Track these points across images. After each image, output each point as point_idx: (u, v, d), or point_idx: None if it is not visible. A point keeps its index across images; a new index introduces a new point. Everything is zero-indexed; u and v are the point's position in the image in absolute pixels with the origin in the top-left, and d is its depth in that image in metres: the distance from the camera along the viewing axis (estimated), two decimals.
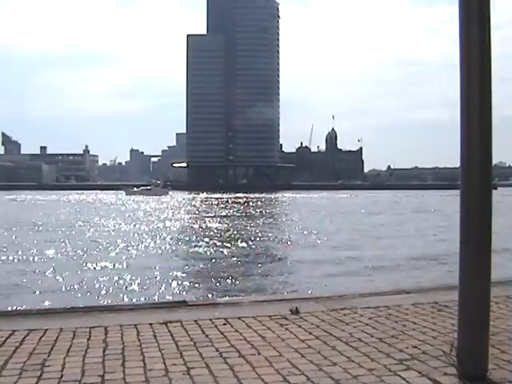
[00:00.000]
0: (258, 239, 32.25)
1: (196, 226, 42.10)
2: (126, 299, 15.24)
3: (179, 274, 20.25)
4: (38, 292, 16.45)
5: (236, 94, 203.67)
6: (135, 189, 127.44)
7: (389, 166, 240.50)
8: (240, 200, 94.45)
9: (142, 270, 20.47)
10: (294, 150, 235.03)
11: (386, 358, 4.56)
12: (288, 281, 18.86)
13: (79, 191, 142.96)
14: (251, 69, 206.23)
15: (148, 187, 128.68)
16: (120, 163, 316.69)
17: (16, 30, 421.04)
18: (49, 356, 4.72)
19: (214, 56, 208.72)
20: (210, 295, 15.63)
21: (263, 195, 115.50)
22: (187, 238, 33.24)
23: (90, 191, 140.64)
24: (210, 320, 5.88)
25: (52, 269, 20.48)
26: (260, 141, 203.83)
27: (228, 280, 18.66)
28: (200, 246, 28.82)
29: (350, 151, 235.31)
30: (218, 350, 4.84)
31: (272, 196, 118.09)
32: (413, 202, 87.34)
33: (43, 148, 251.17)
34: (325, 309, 6.34)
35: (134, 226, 42.36)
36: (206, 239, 32.00)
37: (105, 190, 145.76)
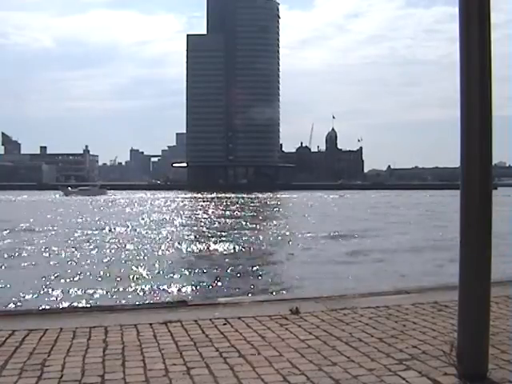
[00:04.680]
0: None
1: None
2: (125, 299, 15.23)
3: (179, 274, 20.24)
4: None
5: (236, 93, 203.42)
6: (70, 188, 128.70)
7: (389, 166, 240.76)
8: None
9: (140, 272, 20.48)
10: (294, 150, 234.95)
11: (386, 358, 4.56)
12: (288, 280, 18.84)
13: None
14: (251, 69, 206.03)
15: (86, 187, 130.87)
16: (120, 163, 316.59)
17: (15, 30, 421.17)
18: (49, 356, 4.72)
19: (214, 56, 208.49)
20: (209, 295, 15.62)
21: (265, 195, 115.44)
22: (185, 238, 33.24)
23: None
24: (210, 320, 5.89)
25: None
26: (260, 141, 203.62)
27: (228, 280, 18.65)
28: (199, 246, 28.83)
29: (350, 151, 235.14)
30: (218, 350, 4.84)
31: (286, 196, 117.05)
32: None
33: (43, 148, 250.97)
34: (325, 309, 6.35)
35: None
36: (205, 239, 32.00)
37: None
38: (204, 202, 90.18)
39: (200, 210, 68.03)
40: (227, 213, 60.05)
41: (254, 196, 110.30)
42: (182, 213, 61.81)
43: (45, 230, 37.47)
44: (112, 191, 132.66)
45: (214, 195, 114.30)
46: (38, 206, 75.49)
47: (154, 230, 38.74)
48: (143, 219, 49.53)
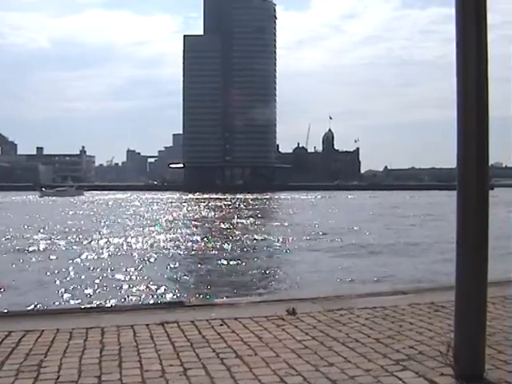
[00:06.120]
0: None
1: None
2: (122, 300, 15.21)
3: (176, 274, 20.22)
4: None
5: (233, 94, 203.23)
6: (44, 189, 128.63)
7: (385, 167, 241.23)
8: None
9: (138, 272, 20.46)
10: (290, 151, 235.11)
11: (383, 359, 4.56)
12: (285, 281, 18.84)
13: None
14: (248, 69, 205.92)
15: (62, 188, 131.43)
16: (117, 164, 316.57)
17: (11, 30, 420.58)
18: (45, 357, 4.71)
19: (211, 57, 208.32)
20: (206, 296, 15.61)
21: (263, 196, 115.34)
22: (182, 239, 33.21)
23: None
24: (207, 321, 5.88)
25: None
26: (257, 141, 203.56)
27: (225, 281, 18.64)
28: (197, 247, 28.81)
29: (346, 152, 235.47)
30: (214, 351, 4.83)
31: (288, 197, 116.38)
32: None
33: (40, 149, 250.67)
34: (321, 309, 6.34)
35: None
36: (203, 240, 31.98)
37: (101, 190, 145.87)
38: (185, 202, 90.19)
39: (178, 210, 67.93)
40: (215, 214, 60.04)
41: (247, 197, 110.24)
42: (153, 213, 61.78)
43: None
44: (91, 192, 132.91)
45: (207, 196, 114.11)
46: None
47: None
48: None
